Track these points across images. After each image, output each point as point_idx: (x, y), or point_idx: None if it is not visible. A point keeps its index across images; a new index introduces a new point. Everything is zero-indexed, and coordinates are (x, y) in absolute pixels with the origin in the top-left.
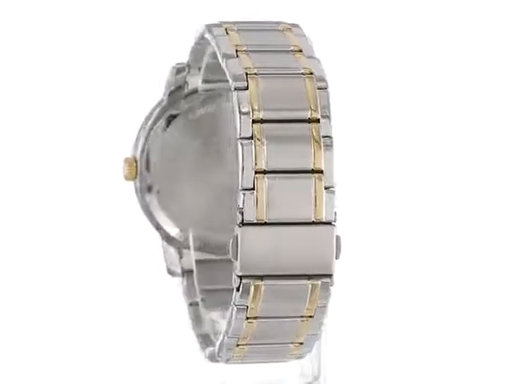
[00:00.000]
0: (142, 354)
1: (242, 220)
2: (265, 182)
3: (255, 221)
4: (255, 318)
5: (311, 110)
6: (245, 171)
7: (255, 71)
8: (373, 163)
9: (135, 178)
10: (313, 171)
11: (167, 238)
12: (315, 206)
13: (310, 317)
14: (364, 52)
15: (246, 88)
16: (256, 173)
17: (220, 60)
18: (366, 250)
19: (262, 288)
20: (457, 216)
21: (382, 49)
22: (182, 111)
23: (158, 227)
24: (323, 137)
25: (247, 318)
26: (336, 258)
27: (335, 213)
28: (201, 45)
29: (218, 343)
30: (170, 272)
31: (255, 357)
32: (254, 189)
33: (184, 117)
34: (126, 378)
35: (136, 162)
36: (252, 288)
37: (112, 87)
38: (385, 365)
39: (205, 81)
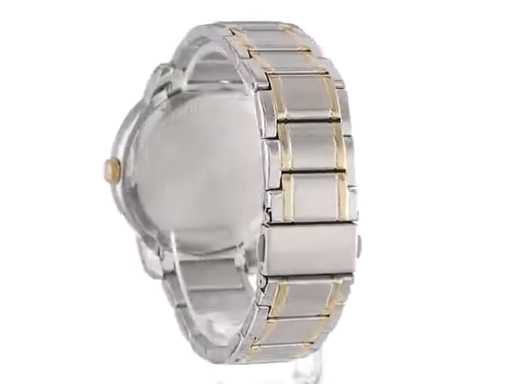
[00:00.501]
0: (140, 354)
1: (270, 220)
2: (291, 181)
3: (282, 221)
4: (275, 318)
5: (331, 109)
6: (271, 171)
7: (273, 71)
8: (379, 162)
9: (119, 180)
10: (335, 170)
11: (148, 241)
12: (339, 205)
13: (327, 316)
14: (359, 50)
15: (269, 88)
16: (282, 173)
17: (234, 61)
18: (372, 250)
19: (287, 288)
20: (475, 216)
21: (379, 48)
22: (165, 112)
23: (140, 230)
24: (344, 136)
25: (268, 318)
26: (357, 257)
27: (357, 212)
28: (195, 45)
29: (228, 343)
30: (151, 274)
31: (264, 357)
32: (281, 189)
33: (167, 118)
34: (124, 378)
35: (119, 163)
36: (277, 288)
37: (86, 89)
38: (385, 365)
39: (190, 81)
